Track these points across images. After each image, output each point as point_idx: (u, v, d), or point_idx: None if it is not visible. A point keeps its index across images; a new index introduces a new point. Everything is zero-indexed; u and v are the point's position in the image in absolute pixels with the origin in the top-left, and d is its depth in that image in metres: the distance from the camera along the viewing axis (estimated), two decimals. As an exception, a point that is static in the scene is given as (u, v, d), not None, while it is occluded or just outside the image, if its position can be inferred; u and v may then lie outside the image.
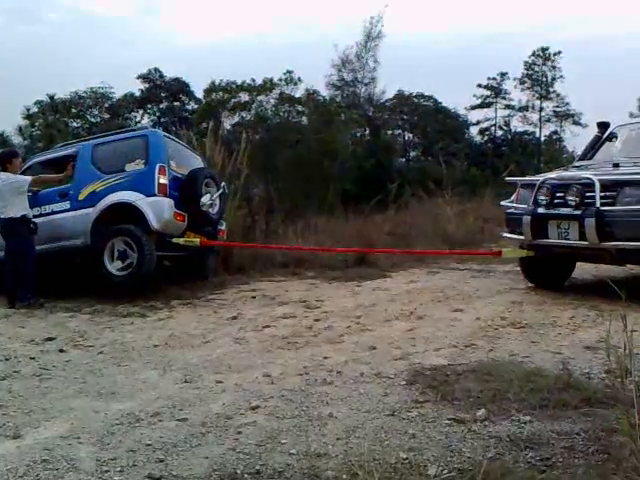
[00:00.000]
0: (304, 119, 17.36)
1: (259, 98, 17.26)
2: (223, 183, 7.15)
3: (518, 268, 7.16)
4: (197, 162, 7.38)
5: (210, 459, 2.43)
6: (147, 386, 3.39)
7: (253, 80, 17.39)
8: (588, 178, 5.03)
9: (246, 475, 2.29)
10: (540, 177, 5.61)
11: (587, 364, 3.36)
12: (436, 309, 5.12)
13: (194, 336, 4.56)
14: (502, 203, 6.13)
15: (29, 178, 6.17)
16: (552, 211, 5.22)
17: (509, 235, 5.82)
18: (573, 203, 5.03)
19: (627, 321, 2.71)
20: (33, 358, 3.97)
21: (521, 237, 5.51)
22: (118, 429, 2.75)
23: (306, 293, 6.25)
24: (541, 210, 5.28)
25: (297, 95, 17.77)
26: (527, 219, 5.32)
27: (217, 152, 8.92)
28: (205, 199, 6.62)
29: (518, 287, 6.03)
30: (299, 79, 17.58)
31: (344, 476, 2.23)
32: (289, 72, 17.60)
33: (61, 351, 4.17)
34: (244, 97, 17.40)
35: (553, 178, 5.43)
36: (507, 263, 7.55)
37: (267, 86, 17.12)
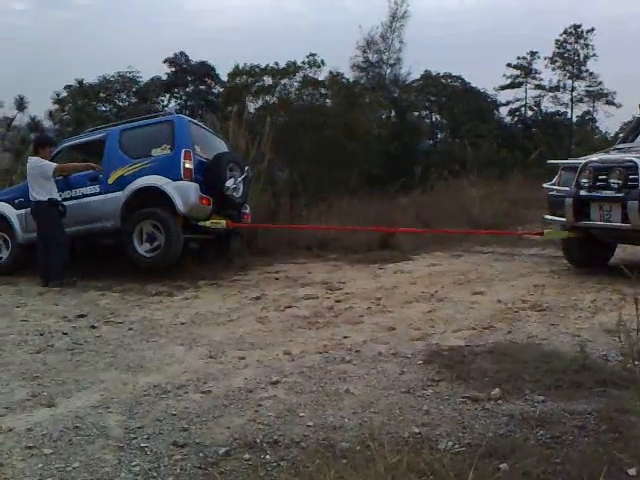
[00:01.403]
0: (328, 102, 17.29)
1: (282, 81, 17.21)
2: (247, 167, 7.24)
3: (544, 251, 7.20)
4: (221, 146, 7.48)
5: (231, 429, 2.56)
6: (174, 360, 3.54)
7: (276, 63, 17.37)
8: (631, 161, 5.05)
9: (264, 444, 2.41)
10: (582, 160, 5.64)
11: (605, 347, 3.38)
12: (457, 291, 5.15)
13: (219, 315, 4.70)
14: (544, 185, 6.15)
15: (54, 165, 6.34)
16: (594, 193, 5.26)
17: (551, 217, 5.87)
18: (616, 185, 5.08)
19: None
20: (66, 333, 4.16)
21: (563, 219, 5.58)
22: (145, 400, 2.90)
23: (328, 275, 6.34)
24: (583, 192, 5.32)
25: (320, 78, 17.74)
26: (569, 201, 5.39)
27: (241, 136, 9.01)
28: (229, 183, 6.73)
29: (542, 270, 6.01)
30: (322, 62, 17.49)
31: (357, 447, 2.33)
32: (312, 55, 17.50)
33: (92, 327, 4.35)
34: (268, 81, 17.37)
35: (595, 161, 5.45)
36: (532, 246, 7.55)
37: (291, 69, 17.05)
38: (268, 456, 2.31)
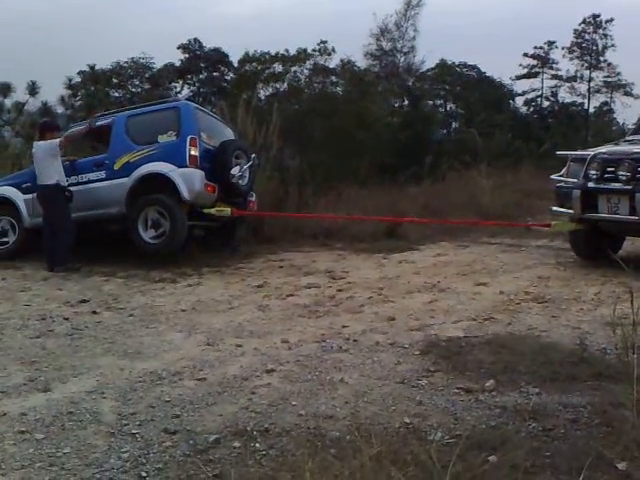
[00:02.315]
0: (338, 90, 17.19)
1: (293, 69, 17.12)
2: (253, 155, 7.22)
3: (552, 243, 7.13)
4: (228, 134, 7.46)
5: (223, 416, 2.56)
6: (171, 347, 3.56)
7: (287, 50, 17.29)
8: None
9: (255, 432, 2.41)
10: (591, 151, 5.60)
11: (605, 340, 3.33)
12: (460, 282, 5.12)
13: (220, 302, 4.71)
14: (552, 177, 6.10)
15: (58, 140, 6.34)
16: (602, 185, 5.22)
17: (558, 209, 5.83)
18: (624, 178, 5.03)
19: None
20: (67, 319, 4.19)
21: (570, 211, 5.54)
22: (140, 386, 2.92)
23: (333, 264, 6.33)
24: (591, 184, 5.28)
25: (332, 66, 17.62)
26: (577, 193, 5.35)
27: (249, 124, 8.98)
28: (235, 171, 6.71)
29: (547, 262, 5.96)
30: (333, 49, 17.38)
31: (347, 437, 2.32)
32: (323, 42, 17.37)
33: (94, 313, 4.37)
34: (278, 68, 17.29)
35: (604, 152, 5.41)
36: (540, 238, 7.47)
37: (301, 57, 16.93)
38: (258, 444, 2.31)
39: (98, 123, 6.99)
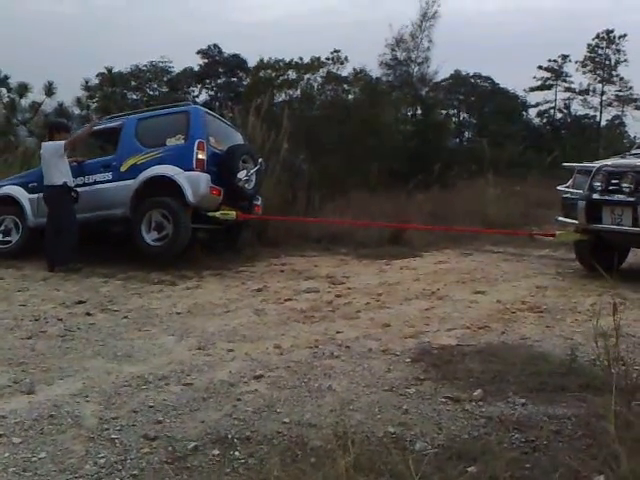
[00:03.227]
0: (350, 98, 17.23)
1: (306, 76, 17.24)
2: (260, 159, 7.23)
3: (555, 253, 7.08)
4: (237, 139, 7.48)
5: (205, 423, 2.53)
6: (162, 351, 3.54)
7: (301, 58, 17.45)
8: None
9: (236, 440, 2.38)
10: (596, 164, 5.70)
11: (596, 351, 3.28)
12: (458, 290, 5.08)
13: (217, 305, 4.70)
14: (558, 188, 6.19)
15: (64, 141, 6.37)
16: (607, 197, 5.33)
17: (564, 219, 5.92)
18: (627, 190, 5.15)
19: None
20: (61, 319, 4.19)
21: (575, 221, 5.64)
22: (125, 390, 2.90)
23: (334, 269, 6.31)
24: (596, 196, 5.39)
25: (344, 74, 17.71)
26: (582, 204, 5.45)
27: (259, 129, 9.02)
28: (241, 175, 6.74)
29: (547, 272, 5.92)
30: (346, 58, 17.50)
31: (329, 446, 2.28)
32: (336, 51, 17.52)
33: (88, 314, 4.37)
34: (292, 75, 17.44)
35: (609, 165, 5.52)
36: (544, 247, 7.42)
37: (314, 65, 17.06)
38: (237, 452, 2.28)
39: (109, 125, 7.04)
